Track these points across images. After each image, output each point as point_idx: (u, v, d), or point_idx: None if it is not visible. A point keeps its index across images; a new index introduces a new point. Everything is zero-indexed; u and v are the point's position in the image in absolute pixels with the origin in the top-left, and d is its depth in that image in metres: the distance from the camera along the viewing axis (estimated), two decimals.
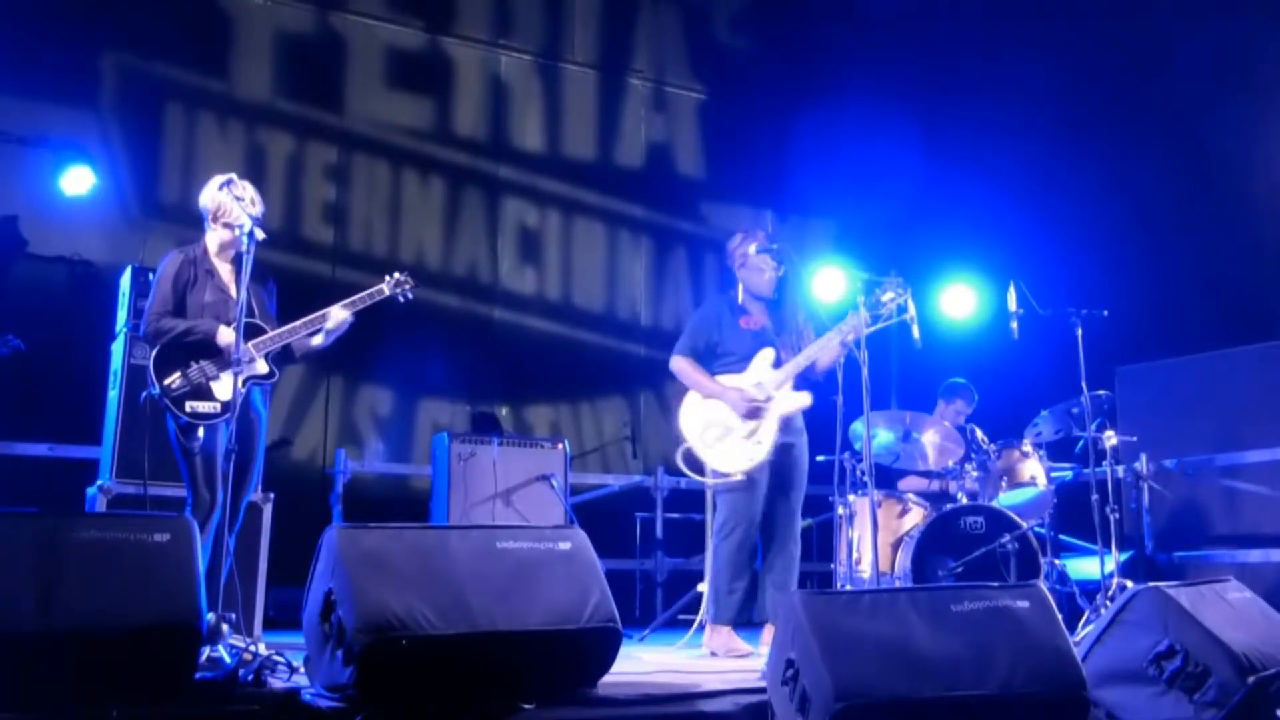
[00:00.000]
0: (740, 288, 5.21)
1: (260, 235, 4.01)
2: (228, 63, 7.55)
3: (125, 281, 5.34)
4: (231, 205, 4.30)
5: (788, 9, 9.44)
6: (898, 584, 5.65)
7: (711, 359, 5.12)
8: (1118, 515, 5.50)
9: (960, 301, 7.64)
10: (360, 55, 8.03)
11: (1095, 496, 5.39)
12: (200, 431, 4.20)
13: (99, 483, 5.04)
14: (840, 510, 6.03)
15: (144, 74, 7.21)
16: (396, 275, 4.76)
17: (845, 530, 6.00)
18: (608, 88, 8.94)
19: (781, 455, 5.00)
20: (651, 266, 8.88)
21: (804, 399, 5.03)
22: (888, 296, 4.83)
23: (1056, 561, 6.26)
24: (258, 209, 4.28)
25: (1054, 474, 6.33)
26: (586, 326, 8.56)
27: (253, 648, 3.62)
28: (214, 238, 4.47)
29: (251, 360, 4.27)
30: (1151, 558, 7.03)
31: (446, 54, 8.37)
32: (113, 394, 5.22)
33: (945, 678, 2.99)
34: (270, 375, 4.39)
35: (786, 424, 5.04)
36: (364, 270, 7.42)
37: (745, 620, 5.02)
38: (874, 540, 4.94)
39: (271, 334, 4.37)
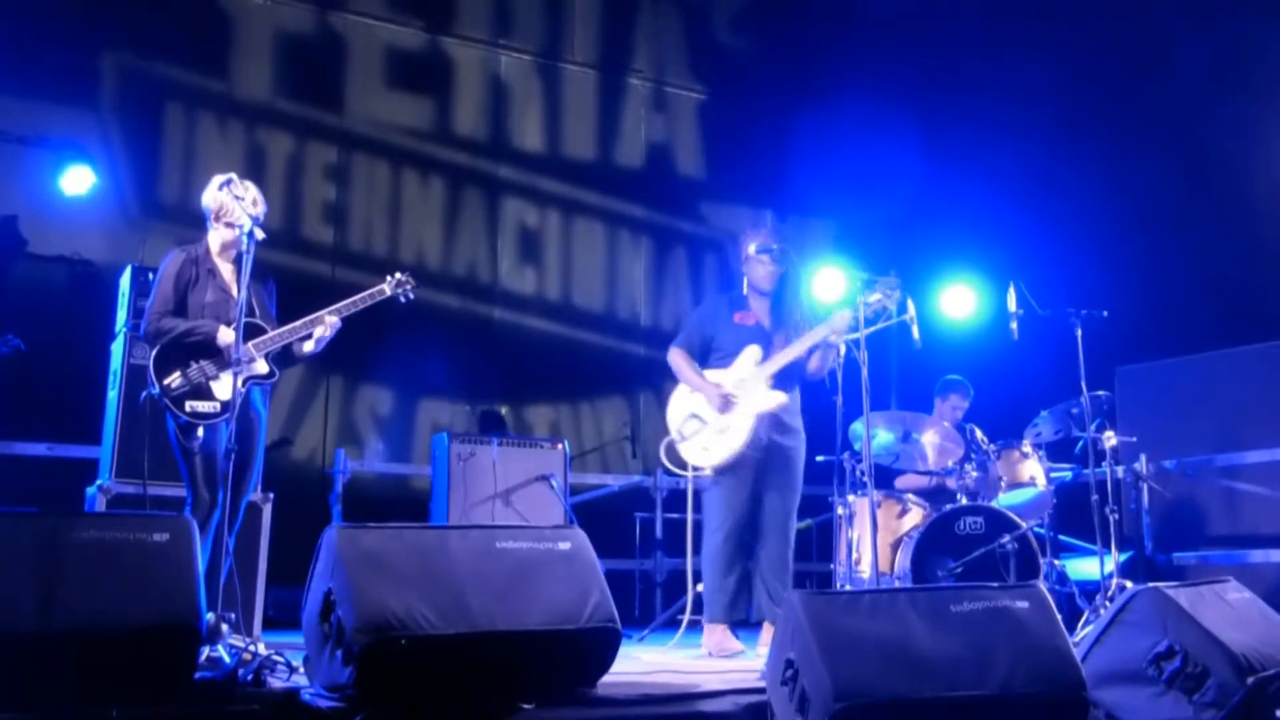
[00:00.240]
0: (745, 283, 5.29)
1: (260, 235, 4.01)
2: (228, 63, 7.55)
3: (125, 281, 5.34)
4: (233, 205, 4.29)
5: (788, 9, 9.44)
6: (897, 584, 5.65)
7: (707, 353, 5.20)
8: (1117, 516, 5.50)
9: (960, 302, 7.65)
10: (360, 55, 8.03)
11: (1095, 497, 5.39)
12: (200, 431, 4.20)
13: (98, 482, 5.04)
14: (840, 510, 6.03)
15: (144, 74, 7.21)
16: (398, 275, 4.75)
17: (845, 530, 6.01)
18: (608, 88, 8.94)
19: (772, 454, 5.00)
20: (651, 266, 8.88)
21: (779, 397, 5.01)
22: (874, 298, 4.84)
23: (1056, 562, 6.26)
24: (259, 209, 4.28)
25: (1053, 474, 6.33)
26: (586, 326, 8.56)
27: (252, 647, 3.62)
28: (216, 237, 4.47)
29: (251, 360, 4.27)
30: (1151, 558, 7.03)
31: (446, 54, 8.37)
32: (112, 394, 5.22)
33: (945, 678, 2.99)
34: (270, 375, 4.39)
35: (777, 424, 5.03)
36: (364, 270, 7.42)
37: (742, 620, 5.02)
38: (873, 540, 4.95)
39: (271, 334, 4.37)
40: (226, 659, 3.48)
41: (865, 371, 4.68)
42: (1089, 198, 8.23)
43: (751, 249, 5.18)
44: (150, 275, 4.93)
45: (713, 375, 5.10)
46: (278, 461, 6.89)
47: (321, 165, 7.79)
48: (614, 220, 8.81)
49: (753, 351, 5.07)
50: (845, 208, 9.06)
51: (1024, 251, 7.79)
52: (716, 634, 4.94)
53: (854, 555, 5.91)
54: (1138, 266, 7.72)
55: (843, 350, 4.96)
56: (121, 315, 5.32)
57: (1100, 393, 5.92)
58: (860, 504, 5.87)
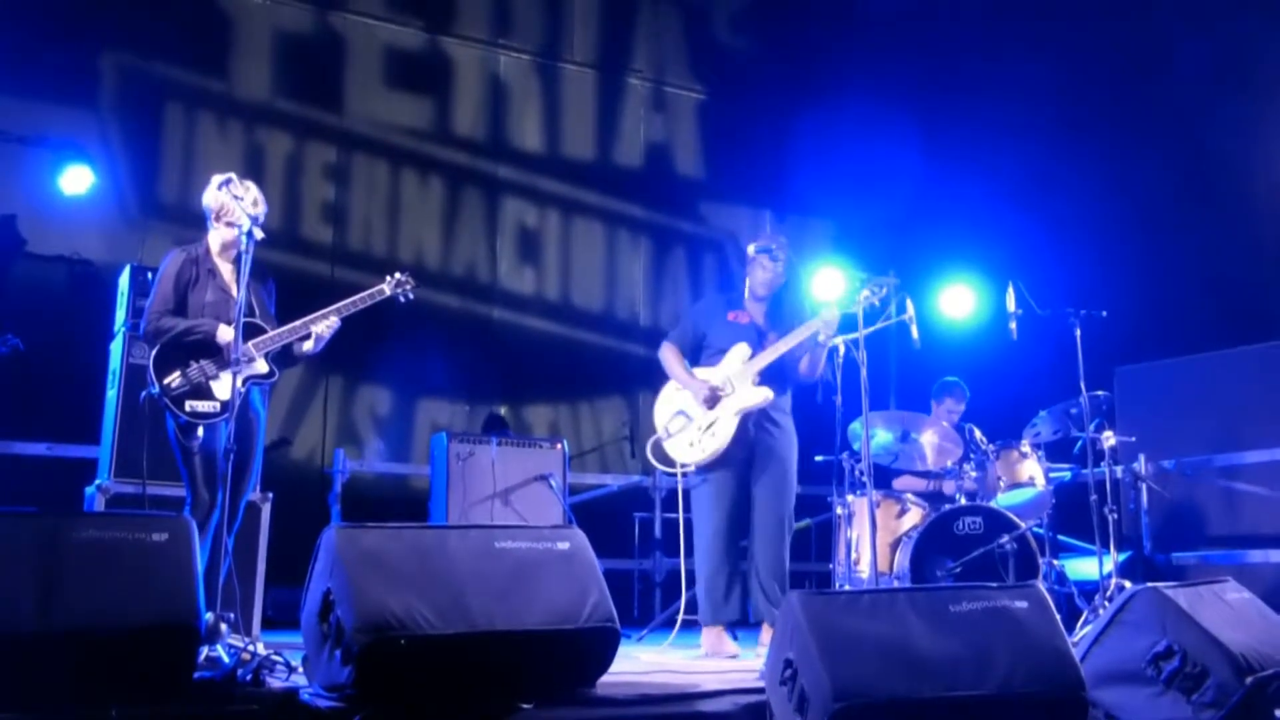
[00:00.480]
0: (746, 284, 5.30)
1: (259, 235, 4.01)
2: (227, 62, 7.54)
3: (124, 281, 5.34)
4: (232, 205, 4.29)
5: (787, 9, 9.44)
6: (896, 584, 5.65)
7: (698, 350, 5.22)
8: (1116, 516, 5.50)
9: (959, 302, 7.63)
10: (359, 55, 8.03)
11: (1094, 497, 5.39)
12: (199, 431, 4.20)
13: (98, 482, 5.04)
14: (839, 510, 6.03)
15: (143, 74, 7.21)
16: (397, 275, 4.75)
17: (844, 530, 6.01)
18: (607, 87, 8.94)
19: (760, 453, 5.00)
20: (650, 266, 8.88)
21: (764, 393, 4.99)
22: (863, 295, 4.84)
23: (1055, 562, 6.26)
24: (259, 209, 4.28)
25: (1052, 474, 6.33)
26: (585, 326, 8.56)
27: (251, 647, 3.63)
28: (216, 237, 4.47)
29: (251, 360, 4.27)
30: (1150, 558, 7.03)
31: (446, 54, 8.37)
32: (111, 393, 5.22)
33: (944, 678, 2.99)
34: (270, 375, 4.39)
35: (765, 421, 5.02)
36: (363, 270, 7.42)
37: (740, 620, 5.02)
38: (873, 540, 4.95)
39: (271, 334, 4.37)
40: (225, 659, 3.48)
41: (864, 371, 4.68)
42: (1088, 198, 8.23)
43: (751, 249, 5.22)
44: (149, 275, 4.93)
45: (701, 373, 5.11)
46: (277, 461, 6.89)
47: (321, 165, 7.79)
48: (613, 220, 8.81)
49: (741, 349, 5.08)
50: (844, 208, 9.06)
51: (1023, 251, 7.79)
52: (712, 636, 4.93)
53: (853, 555, 5.91)
54: (1137, 267, 7.72)
55: (842, 350, 4.97)
56: (121, 315, 5.32)
57: (1099, 393, 5.92)
58: (859, 504, 5.88)
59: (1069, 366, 5.61)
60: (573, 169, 8.70)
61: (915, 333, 4.93)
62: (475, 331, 8.11)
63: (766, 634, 4.84)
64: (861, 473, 5.36)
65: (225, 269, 4.47)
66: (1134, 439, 6.63)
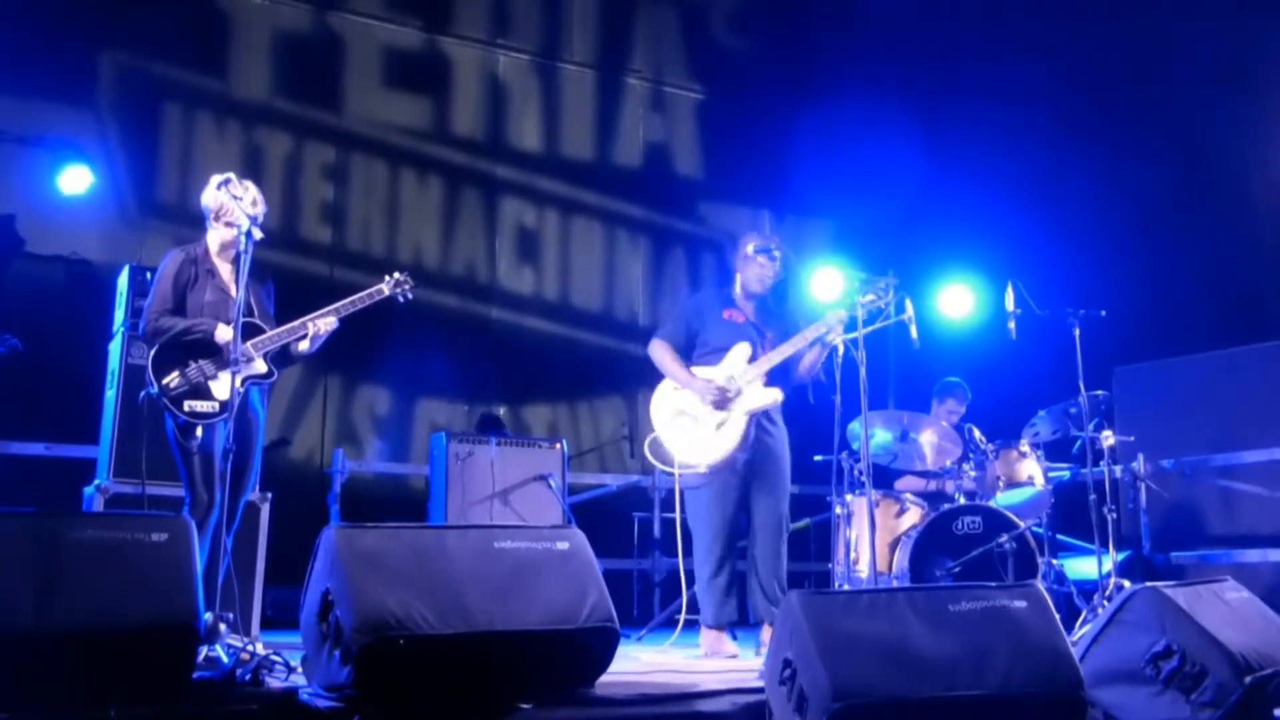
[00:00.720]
0: (738, 281, 5.23)
1: (258, 235, 4.00)
2: (225, 62, 7.54)
3: (123, 281, 5.33)
4: (231, 205, 4.29)
5: (786, 9, 9.45)
6: (895, 584, 5.65)
7: (691, 348, 5.13)
8: (1115, 515, 5.50)
9: (958, 301, 7.63)
10: (358, 55, 8.02)
11: (1093, 496, 5.39)
12: (198, 431, 4.20)
13: (96, 482, 5.04)
14: (838, 510, 6.03)
15: (142, 73, 7.20)
16: (396, 275, 4.75)
17: (843, 530, 6.00)
18: (606, 87, 8.94)
19: (759, 453, 4.97)
20: (649, 266, 8.88)
21: (774, 394, 4.98)
22: (868, 298, 4.83)
23: (1054, 561, 6.26)
24: (259, 209, 4.27)
25: (1051, 474, 6.33)
26: (584, 326, 8.56)
27: (250, 647, 3.63)
28: (215, 237, 4.47)
29: (250, 360, 4.27)
30: (1149, 558, 7.03)
31: (444, 54, 8.37)
32: (110, 393, 5.22)
33: (943, 678, 2.99)
34: (268, 375, 4.39)
35: (764, 421, 5.01)
36: (362, 270, 7.42)
37: (740, 620, 5.01)
38: (872, 540, 4.95)
39: (270, 334, 4.37)
40: (224, 659, 3.47)
41: (863, 371, 4.67)
42: (1088, 198, 8.24)
43: (750, 249, 5.16)
44: (148, 275, 4.93)
45: (702, 372, 5.03)
46: (276, 461, 6.89)
47: (319, 165, 7.79)
48: (612, 220, 8.81)
49: (743, 349, 5.04)
50: (844, 208, 9.06)
51: (1022, 251, 7.79)
52: (711, 637, 4.93)
53: (852, 555, 5.91)
54: (1136, 266, 7.72)
55: (841, 350, 4.96)
56: (119, 315, 5.31)
57: (1098, 392, 5.92)
58: (858, 503, 5.87)
59: (1068, 366, 5.61)
60: (572, 169, 8.70)
61: (914, 332, 4.92)
62: (474, 331, 8.11)
63: (767, 634, 4.84)
64: (860, 472, 5.36)
65: (224, 269, 4.47)
66: (1133, 439, 6.63)
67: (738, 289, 5.23)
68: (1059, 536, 6.69)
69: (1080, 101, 8.41)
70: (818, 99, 8.95)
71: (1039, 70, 8.36)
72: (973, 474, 6.13)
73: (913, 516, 5.99)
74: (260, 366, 4.35)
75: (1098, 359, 6.04)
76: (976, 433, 6.41)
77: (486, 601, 3.16)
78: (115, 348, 5.27)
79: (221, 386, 4.25)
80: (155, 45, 7.23)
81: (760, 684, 3.33)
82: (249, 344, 4.24)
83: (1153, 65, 7.96)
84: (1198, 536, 6.94)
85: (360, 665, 2.97)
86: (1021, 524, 5.60)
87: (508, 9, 8.60)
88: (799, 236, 9.20)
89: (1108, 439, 5.75)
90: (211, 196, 4.41)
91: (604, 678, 3.40)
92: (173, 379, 4.20)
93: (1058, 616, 3.29)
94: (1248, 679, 3.22)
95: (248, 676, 3.28)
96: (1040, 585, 3.40)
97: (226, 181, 4.32)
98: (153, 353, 4.24)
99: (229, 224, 4.37)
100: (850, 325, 4.86)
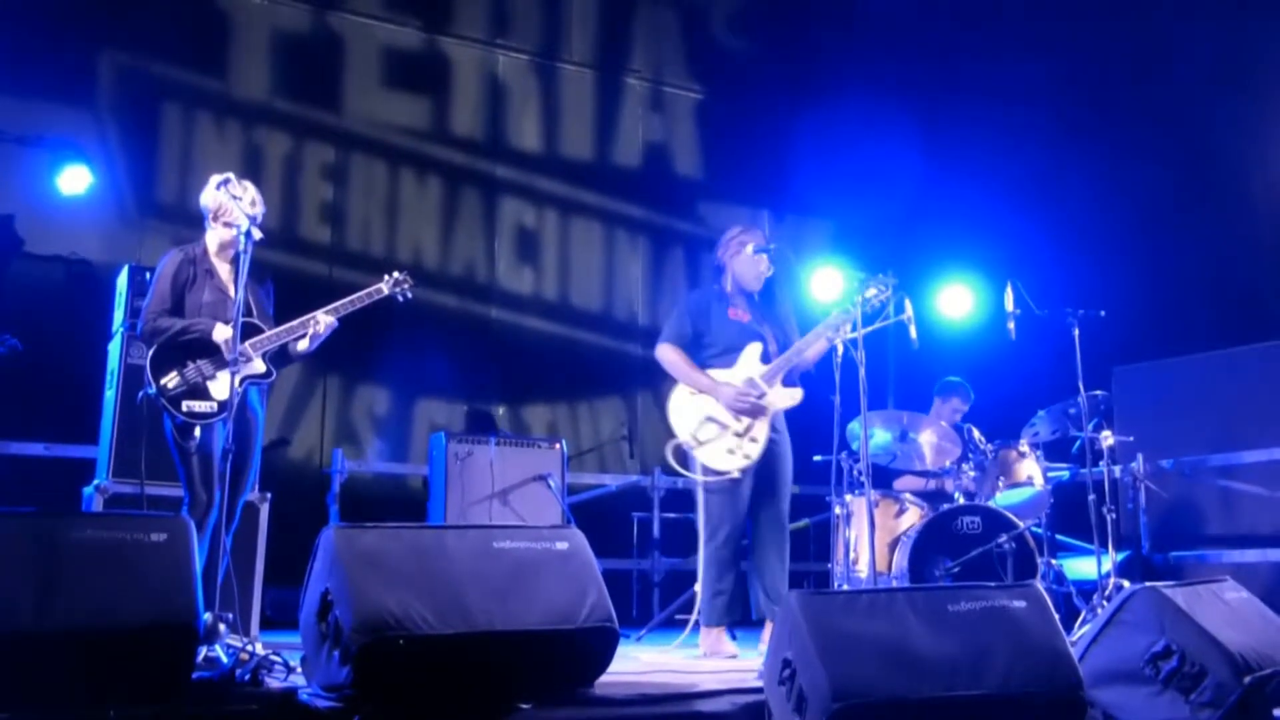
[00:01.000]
0: (729, 278, 5.18)
1: (257, 235, 4.00)
2: (225, 62, 7.54)
3: (122, 281, 5.33)
4: (230, 205, 4.29)
5: (786, 8, 9.44)
6: (895, 584, 5.65)
7: (696, 348, 5.08)
8: (1114, 515, 5.50)
9: (957, 301, 7.65)
10: (357, 55, 8.02)
11: (1092, 496, 5.39)
12: (197, 431, 4.19)
13: (96, 482, 5.04)
14: (837, 510, 6.03)
15: (141, 73, 7.20)
16: (395, 274, 4.75)
17: (842, 530, 6.00)
18: (605, 87, 8.94)
19: (769, 454, 4.96)
20: (649, 266, 8.88)
21: (797, 394, 4.99)
22: (872, 293, 4.82)
23: (1053, 561, 6.26)
24: (258, 209, 4.27)
25: (1051, 474, 6.33)
26: (584, 326, 8.56)
27: (249, 647, 3.62)
28: (214, 237, 4.47)
29: (248, 359, 4.26)
30: (1148, 558, 7.03)
31: (444, 53, 8.37)
32: (109, 393, 5.21)
33: (942, 678, 2.99)
34: (267, 374, 4.39)
35: (775, 422, 5.02)
36: (361, 270, 7.42)
37: (740, 620, 5.01)
38: (871, 540, 4.94)
39: (268, 333, 4.36)
40: (224, 659, 3.47)
41: (863, 371, 4.67)
42: (1087, 198, 8.24)
43: (749, 249, 5.11)
44: (147, 275, 4.92)
45: (719, 375, 4.97)
46: (275, 461, 6.89)
47: (319, 165, 7.79)
48: (611, 220, 8.81)
49: (756, 349, 5.02)
50: (843, 207, 9.06)
51: (1022, 251, 7.79)
52: (712, 637, 4.92)
53: (851, 555, 5.90)
54: (1135, 266, 7.72)
55: (840, 350, 4.96)
56: (119, 315, 5.31)
57: (1097, 392, 5.92)
58: (858, 503, 5.87)
59: (1067, 366, 5.61)
60: (571, 169, 8.70)
61: (914, 332, 4.92)
62: (474, 331, 8.10)
63: (769, 631, 4.83)
64: (860, 472, 5.35)
65: (223, 269, 4.47)
66: (1132, 439, 6.63)
67: (730, 286, 5.17)
68: (1058, 536, 6.70)
69: (1080, 101, 8.41)
70: (817, 99, 8.95)
71: (1039, 70, 8.36)
72: (972, 474, 6.13)
73: (912, 516, 5.99)
74: (259, 366, 4.35)
75: (1097, 359, 6.04)
76: (976, 433, 6.42)
77: (486, 601, 3.16)
78: (115, 348, 5.27)
79: (220, 386, 4.25)
80: (155, 45, 7.23)
81: (759, 684, 3.33)
82: (247, 344, 4.24)
83: (1153, 65, 7.96)
84: (1197, 536, 6.94)
85: (359, 665, 2.97)
86: (1021, 524, 5.60)
87: (507, 9, 8.60)
88: (799, 236, 9.20)
89: (1107, 439, 5.76)
90: (210, 196, 4.41)
91: (603, 678, 3.40)
92: (171, 379, 4.20)
93: (1057, 616, 3.29)
94: (1247, 679, 3.22)
95: (247, 677, 3.28)
96: (1039, 585, 3.40)
97: (226, 182, 4.32)
98: (151, 353, 4.24)
99: (228, 224, 4.37)
100: (850, 324, 4.86)
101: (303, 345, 4.44)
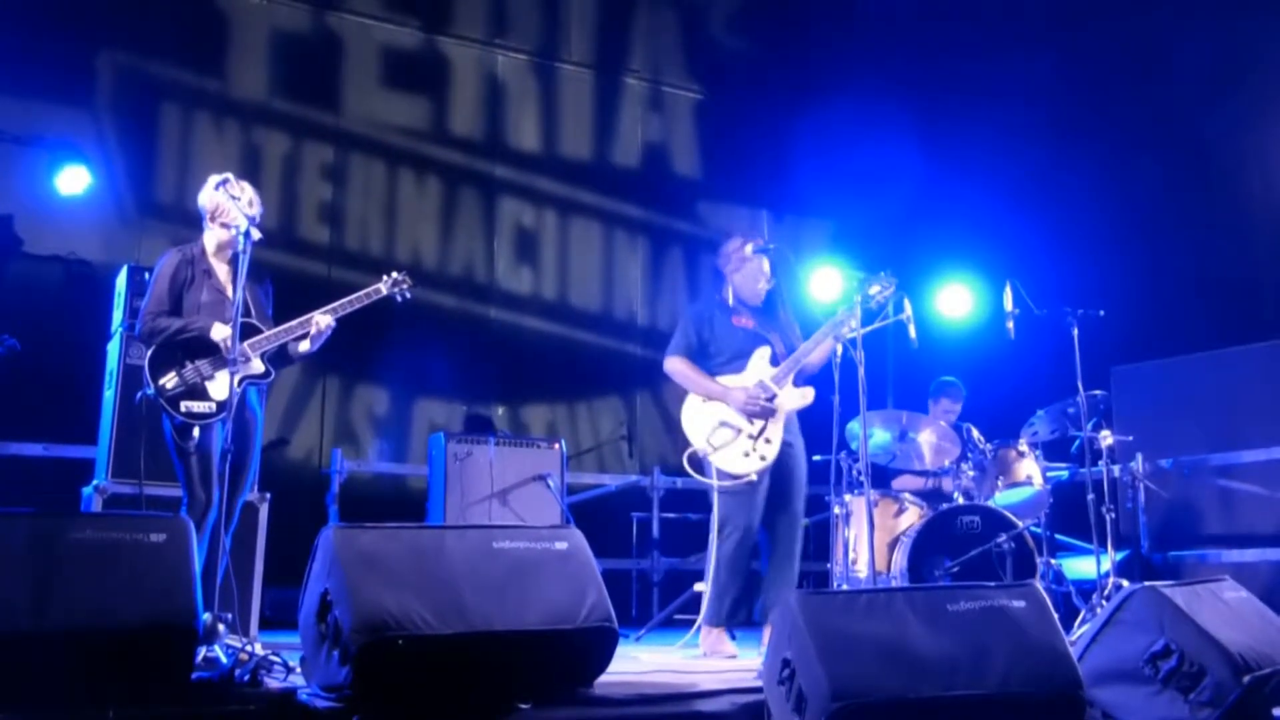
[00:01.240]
0: (730, 290, 5.19)
1: (256, 236, 3.99)
2: (223, 62, 7.54)
3: (121, 281, 5.33)
4: (229, 205, 4.29)
5: (785, 8, 9.44)
6: (894, 583, 5.65)
7: (703, 358, 5.08)
8: (1113, 515, 5.51)
9: (957, 301, 7.65)
10: (356, 55, 8.02)
11: (1091, 496, 5.40)
12: (196, 431, 4.19)
13: (94, 482, 5.03)
14: (837, 510, 6.03)
15: (140, 73, 7.20)
16: (394, 274, 4.74)
17: (841, 530, 6.00)
18: (604, 87, 8.94)
19: (784, 456, 4.96)
20: (648, 266, 8.88)
21: (808, 394, 5.00)
22: (874, 289, 4.83)
23: (1052, 561, 6.26)
24: (256, 210, 4.27)
25: (1050, 473, 6.34)
26: (583, 326, 8.56)
27: (249, 648, 3.62)
28: (212, 237, 4.46)
29: (247, 360, 4.26)
30: (1147, 557, 7.03)
31: (443, 53, 8.36)
32: (108, 394, 5.21)
33: (942, 677, 2.99)
34: (266, 375, 4.38)
35: (787, 423, 5.02)
36: (360, 270, 7.42)
37: (742, 620, 5.01)
38: (870, 540, 4.95)
39: (267, 333, 4.36)
40: (223, 659, 3.47)
41: (862, 371, 4.67)
42: (1086, 197, 8.24)
43: (748, 250, 5.10)
44: (146, 275, 4.91)
45: (729, 381, 4.98)
46: (274, 461, 6.89)
47: (318, 165, 7.78)
48: (610, 220, 8.81)
49: (765, 353, 5.03)
50: (842, 207, 9.06)
51: (1021, 251, 7.80)
52: (713, 637, 4.92)
53: (850, 555, 5.90)
54: (1134, 266, 7.73)
55: (839, 350, 4.96)
56: (117, 315, 5.31)
57: (1096, 392, 5.92)
58: (857, 503, 5.87)
59: (1066, 366, 5.61)
60: (570, 169, 8.70)
61: (913, 332, 4.92)
62: (473, 331, 8.10)
63: (769, 633, 4.83)
64: (859, 472, 5.35)
65: (221, 269, 4.47)
66: (1131, 438, 6.63)
67: (730, 296, 5.18)
68: (1057, 536, 6.70)
69: (1079, 101, 8.41)
70: (816, 99, 8.95)
71: (1038, 70, 8.36)
72: (971, 474, 6.13)
73: (911, 516, 5.99)
74: (258, 366, 4.35)
75: (1096, 358, 6.04)
76: (975, 432, 6.42)
77: (485, 602, 3.16)
78: (113, 348, 5.27)
79: (219, 387, 4.25)
80: (153, 45, 7.23)
81: (759, 684, 3.33)
82: (246, 344, 4.23)
83: (1151, 65, 7.96)
84: (1196, 536, 6.94)
85: (359, 665, 2.97)
86: (1020, 524, 5.60)
87: (506, 9, 8.60)
88: (798, 236, 9.20)
89: (1106, 438, 5.76)
90: (209, 197, 4.40)
91: (603, 678, 3.40)
92: (170, 379, 4.19)
93: (1056, 616, 3.29)
94: (1246, 678, 3.22)
95: (246, 677, 3.28)
96: (1039, 585, 3.40)
97: (224, 182, 4.31)
98: (150, 353, 4.24)
99: (226, 224, 4.37)
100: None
101: (304, 346, 4.44)
